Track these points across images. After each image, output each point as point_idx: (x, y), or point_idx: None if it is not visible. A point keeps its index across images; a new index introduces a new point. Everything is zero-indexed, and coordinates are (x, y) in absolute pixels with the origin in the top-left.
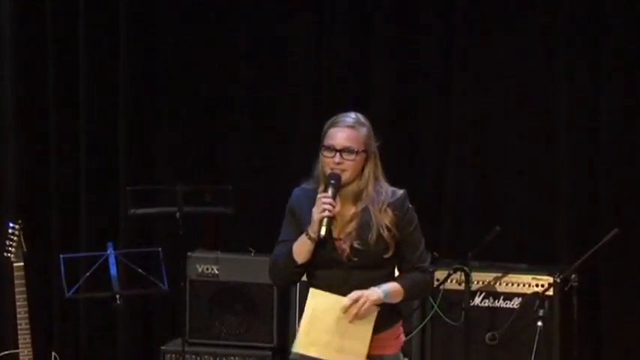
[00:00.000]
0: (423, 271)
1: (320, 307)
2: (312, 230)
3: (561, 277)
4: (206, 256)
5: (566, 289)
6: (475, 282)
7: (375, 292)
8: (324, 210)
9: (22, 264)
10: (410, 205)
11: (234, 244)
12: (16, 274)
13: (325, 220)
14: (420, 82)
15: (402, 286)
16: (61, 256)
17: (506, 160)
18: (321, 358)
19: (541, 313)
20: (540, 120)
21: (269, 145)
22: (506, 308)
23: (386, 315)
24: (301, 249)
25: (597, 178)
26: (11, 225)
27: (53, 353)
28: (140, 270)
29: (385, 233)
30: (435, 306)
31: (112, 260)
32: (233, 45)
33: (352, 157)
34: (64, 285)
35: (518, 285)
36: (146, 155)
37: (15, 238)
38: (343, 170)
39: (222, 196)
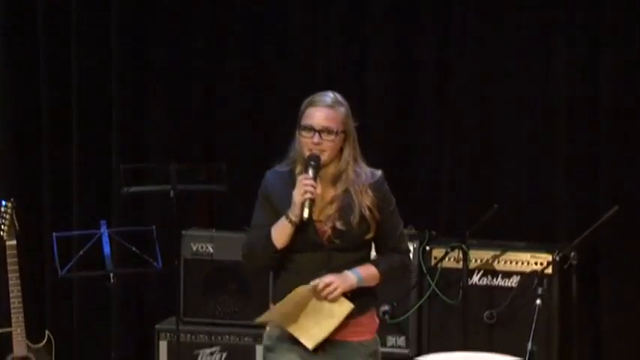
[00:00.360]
0: (401, 252)
1: (299, 294)
2: (292, 213)
3: (560, 255)
4: (200, 234)
5: (565, 267)
6: (473, 260)
7: (349, 279)
8: (306, 192)
9: (14, 242)
10: (387, 186)
11: (228, 222)
12: (8, 252)
13: (307, 202)
14: (418, 60)
15: (379, 271)
16: (54, 234)
17: (504, 137)
18: (281, 325)
19: (540, 291)
20: (539, 97)
21: (263, 121)
22: (505, 287)
23: (361, 299)
24: (281, 233)
25: (597, 155)
26: (3, 203)
27: (46, 332)
28: (134, 249)
29: (367, 213)
30: (433, 284)
31: (105, 239)
32: (227, 22)
33: (331, 137)
34: (57, 264)
35: (516, 263)
36: (139, 133)
37: (7, 217)
38: (322, 151)
39: (216, 174)
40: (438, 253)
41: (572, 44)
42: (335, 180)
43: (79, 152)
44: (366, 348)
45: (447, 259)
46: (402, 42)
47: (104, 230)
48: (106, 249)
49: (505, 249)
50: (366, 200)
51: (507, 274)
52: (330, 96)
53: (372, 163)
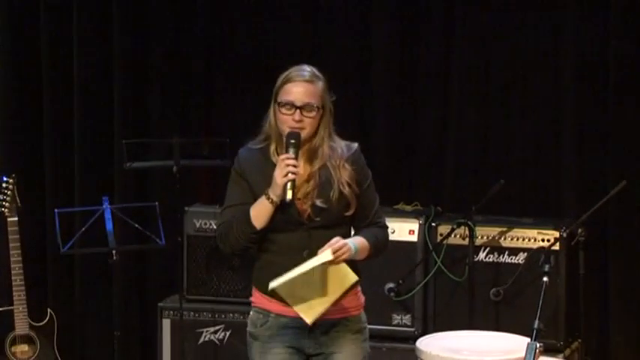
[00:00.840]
0: (381, 226)
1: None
2: (274, 193)
3: (567, 231)
4: (204, 210)
5: (572, 243)
6: (479, 237)
7: (350, 247)
8: (288, 173)
9: (16, 219)
10: (364, 159)
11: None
12: (9, 229)
13: (290, 183)
14: (422, 35)
15: (369, 242)
16: (55, 210)
17: (509, 112)
18: (286, 300)
19: (547, 268)
20: (545, 70)
21: (266, 96)
22: (511, 263)
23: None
24: (261, 213)
25: (605, 130)
26: (5, 179)
27: (48, 310)
28: (136, 225)
29: (346, 189)
30: (439, 261)
31: (107, 215)
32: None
33: (312, 114)
34: (59, 240)
35: (523, 240)
36: (141, 108)
37: (9, 193)
38: (302, 128)
39: (219, 149)
40: (443, 229)
41: (581, 19)
42: (311, 157)
43: (80, 127)
44: (354, 324)
45: (452, 235)
46: (407, 16)
47: (106, 206)
48: (109, 225)
49: (511, 225)
50: (344, 175)
51: (514, 251)
52: (307, 70)
53: (376, 139)
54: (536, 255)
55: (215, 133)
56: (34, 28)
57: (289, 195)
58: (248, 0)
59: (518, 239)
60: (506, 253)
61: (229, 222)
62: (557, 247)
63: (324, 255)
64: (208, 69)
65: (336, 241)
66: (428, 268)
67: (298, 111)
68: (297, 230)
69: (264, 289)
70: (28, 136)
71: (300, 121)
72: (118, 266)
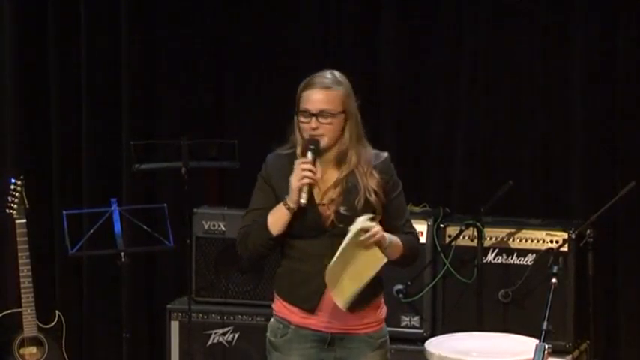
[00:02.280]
0: (415, 236)
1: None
2: (290, 200)
3: (576, 232)
4: (212, 212)
5: (581, 244)
6: (488, 238)
7: (384, 235)
8: (304, 177)
9: (24, 221)
10: (394, 169)
11: (240, 199)
12: (18, 231)
13: (305, 187)
14: (432, 35)
15: (402, 243)
16: (64, 212)
17: (519, 114)
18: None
19: (555, 269)
20: (555, 73)
21: (275, 98)
22: (520, 265)
23: (371, 286)
24: (278, 220)
25: (613, 131)
26: (13, 181)
27: (57, 311)
28: (145, 227)
29: (372, 197)
30: (447, 263)
31: (116, 217)
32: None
33: (329, 120)
34: (68, 242)
35: (531, 241)
36: (150, 109)
37: (17, 195)
38: (321, 135)
39: (228, 151)
40: (452, 230)
41: (590, 21)
42: (338, 162)
43: (88, 129)
44: (375, 339)
45: (461, 236)
46: (416, 18)
47: (115, 208)
48: (117, 227)
49: (520, 226)
50: (371, 183)
51: (522, 252)
52: (327, 77)
53: (385, 140)
54: (544, 256)
55: (224, 134)
56: (41, 30)
57: (304, 199)
58: (259, 5)
59: (526, 240)
60: (515, 254)
61: (249, 226)
62: (565, 248)
63: (361, 220)
64: (217, 70)
65: (371, 224)
66: (436, 269)
67: (314, 118)
68: (319, 237)
69: (284, 296)
70: (36, 138)
71: (315, 128)
72: (127, 268)
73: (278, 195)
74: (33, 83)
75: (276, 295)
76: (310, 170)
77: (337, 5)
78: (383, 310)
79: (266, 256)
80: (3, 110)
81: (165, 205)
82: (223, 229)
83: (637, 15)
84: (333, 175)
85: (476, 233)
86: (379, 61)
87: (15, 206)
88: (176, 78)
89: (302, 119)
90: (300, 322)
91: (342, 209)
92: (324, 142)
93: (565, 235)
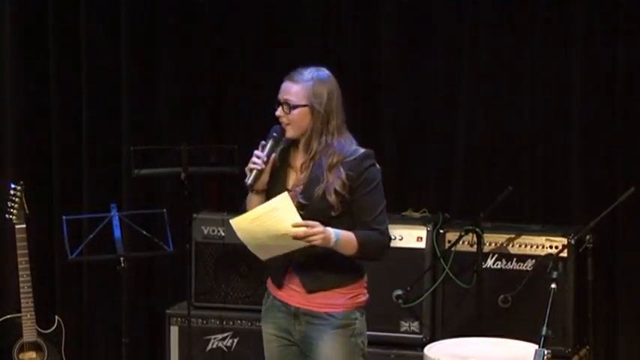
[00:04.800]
0: (380, 233)
1: (280, 210)
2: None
3: (575, 238)
4: (212, 217)
5: (580, 250)
6: (487, 244)
7: (329, 237)
8: (250, 164)
9: (24, 226)
10: (372, 166)
11: (239, 205)
12: (18, 236)
13: (255, 171)
14: (431, 43)
15: (357, 239)
16: (63, 217)
17: (518, 119)
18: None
19: (555, 275)
20: (555, 77)
21: (275, 102)
22: (519, 270)
23: (337, 271)
24: (249, 200)
25: (613, 137)
26: (13, 186)
27: (56, 317)
28: (144, 232)
29: (332, 197)
30: (447, 268)
31: (115, 222)
32: (239, 4)
33: (289, 111)
34: (67, 247)
35: (531, 246)
36: (150, 114)
37: (17, 200)
38: (287, 124)
39: (228, 156)
40: (451, 236)
41: (590, 21)
42: (304, 149)
43: (88, 134)
44: (337, 319)
45: (460, 242)
46: (415, 23)
47: (114, 213)
48: (117, 232)
49: (520, 232)
50: (335, 182)
51: (522, 258)
52: (302, 72)
53: (385, 146)
54: (544, 262)
55: (223, 140)
56: (41, 32)
57: (249, 180)
58: (257, 7)
59: (526, 246)
60: (515, 259)
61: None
62: (565, 253)
63: (283, 197)
64: (217, 76)
65: (313, 225)
66: (436, 274)
67: (280, 107)
68: None
69: (268, 270)
70: (36, 143)
71: (280, 116)
72: (126, 273)
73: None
74: (33, 87)
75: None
76: (257, 156)
77: (337, 7)
78: (355, 297)
79: None
80: (3, 114)
81: (164, 210)
82: (223, 234)
83: (637, 15)
84: (301, 162)
85: (475, 239)
86: (379, 63)
87: (15, 211)
88: (175, 82)
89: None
90: (274, 294)
91: (299, 197)
92: (289, 132)
93: (565, 241)
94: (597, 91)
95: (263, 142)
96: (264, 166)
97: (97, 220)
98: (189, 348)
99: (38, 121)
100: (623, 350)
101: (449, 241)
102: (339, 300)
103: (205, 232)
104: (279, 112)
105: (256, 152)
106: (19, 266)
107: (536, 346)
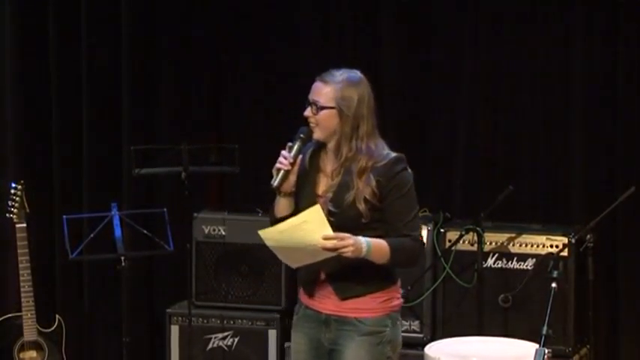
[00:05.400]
0: (413, 239)
1: (311, 223)
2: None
3: (576, 237)
4: (212, 217)
5: (581, 249)
6: (488, 243)
7: (360, 246)
8: (278, 162)
9: (24, 225)
10: (403, 170)
11: (240, 204)
12: (18, 235)
13: (282, 172)
14: (431, 43)
15: (389, 247)
16: (64, 217)
17: (519, 119)
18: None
19: (555, 274)
20: (555, 77)
21: (275, 102)
22: (520, 269)
23: (370, 277)
24: (276, 203)
25: (613, 136)
26: (13, 185)
27: (57, 316)
28: (145, 231)
29: (361, 205)
30: (447, 268)
31: (116, 221)
32: (239, 4)
33: (317, 112)
34: (68, 247)
35: (532, 246)
36: (150, 113)
37: (17, 199)
38: (314, 125)
39: (228, 155)
40: (452, 235)
41: (590, 21)
42: (335, 154)
43: (89, 134)
44: (366, 325)
45: (461, 241)
46: (416, 22)
47: (115, 213)
48: (117, 232)
49: (520, 231)
50: (365, 190)
51: (522, 257)
52: (333, 73)
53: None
54: (545, 261)
55: (224, 139)
56: (42, 33)
57: (275, 182)
58: (257, 6)
59: (526, 245)
60: (515, 259)
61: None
62: (565, 253)
63: (314, 209)
64: (217, 75)
65: (344, 237)
66: (436, 274)
67: (309, 107)
68: None
69: (298, 279)
70: (36, 143)
71: (307, 116)
72: (127, 272)
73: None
74: (33, 87)
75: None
76: (284, 157)
77: (338, 7)
78: (388, 302)
79: None
80: (3, 114)
81: (165, 209)
82: (223, 233)
83: (637, 15)
84: (332, 167)
85: (476, 238)
86: (379, 63)
87: (15, 210)
88: (176, 82)
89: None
90: (307, 303)
91: (329, 205)
92: (316, 133)
93: (565, 240)
94: (597, 90)
95: (290, 144)
96: (290, 167)
97: (98, 219)
98: (190, 347)
99: (38, 121)
100: (623, 349)
101: (449, 241)
102: (371, 304)
103: (206, 231)
104: (307, 112)
105: (283, 152)
106: (20, 265)
107: (537, 346)
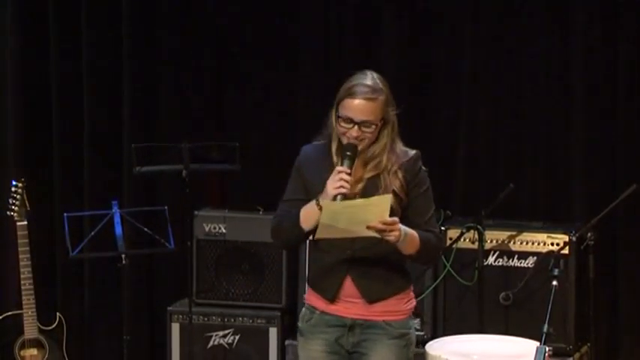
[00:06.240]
0: (435, 235)
1: (376, 207)
2: (323, 200)
3: (577, 235)
4: (213, 214)
5: (582, 247)
6: (489, 241)
7: (401, 232)
8: (340, 187)
9: (25, 223)
10: (422, 167)
11: (241, 202)
12: (19, 233)
13: (339, 196)
14: (432, 40)
15: (420, 238)
16: (65, 214)
17: (520, 117)
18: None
19: (556, 272)
20: (555, 75)
21: (276, 100)
22: (521, 267)
23: (394, 278)
24: (310, 217)
25: (614, 134)
26: (14, 183)
27: (57, 314)
28: (146, 229)
29: (391, 200)
30: (448, 266)
31: (117, 219)
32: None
33: (371, 129)
34: (69, 244)
35: (532, 244)
36: (151, 111)
37: (18, 197)
38: (361, 140)
39: (229, 153)
40: (453, 233)
41: (590, 21)
42: (366, 162)
43: (90, 131)
44: (394, 329)
45: (462, 239)
46: (417, 21)
47: (116, 210)
48: (118, 229)
49: (521, 229)
50: (394, 183)
51: (523, 255)
52: (369, 84)
53: None
54: (545, 259)
55: (225, 137)
56: (42, 31)
57: (337, 203)
58: (258, 3)
59: (527, 243)
60: (516, 257)
61: (280, 216)
62: (566, 251)
63: (384, 198)
64: (219, 73)
65: (395, 221)
66: (437, 272)
67: (357, 127)
68: None
69: (311, 285)
70: (37, 140)
71: (357, 137)
72: (128, 270)
73: (307, 186)
74: (34, 84)
75: (307, 284)
76: (346, 181)
77: (339, 3)
78: (409, 303)
79: (298, 245)
80: (4, 112)
81: (166, 207)
82: (224, 231)
83: (638, 16)
84: (359, 172)
85: (477, 236)
86: (380, 62)
87: (16, 208)
88: (177, 80)
89: (343, 124)
90: (324, 309)
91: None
92: (361, 146)
93: (566, 238)
94: (598, 88)
95: (340, 168)
96: (352, 183)
97: (98, 217)
98: (191, 345)
99: (39, 118)
100: (624, 347)
101: (450, 239)
102: (397, 307)
103: (207, 229)
104: (355, 132)
105: (344, 176)
106: (21, 263)
107: (538, 343)
